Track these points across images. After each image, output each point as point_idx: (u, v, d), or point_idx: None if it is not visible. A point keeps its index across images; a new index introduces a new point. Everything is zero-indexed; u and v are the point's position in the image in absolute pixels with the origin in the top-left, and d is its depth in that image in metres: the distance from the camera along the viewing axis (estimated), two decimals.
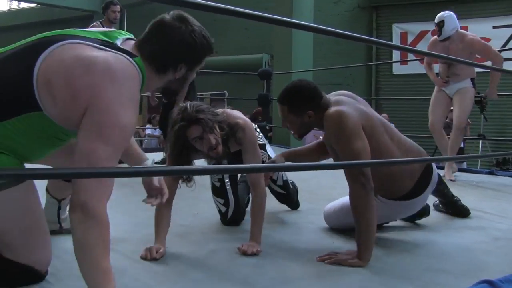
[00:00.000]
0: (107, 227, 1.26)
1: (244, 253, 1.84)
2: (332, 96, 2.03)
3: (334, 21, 9.84)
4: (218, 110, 1.98)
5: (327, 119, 1.87)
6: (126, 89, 1.27)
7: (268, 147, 2.53)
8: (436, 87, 3.96)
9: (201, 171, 1.46)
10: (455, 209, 2.56)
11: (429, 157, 2.74)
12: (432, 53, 3.45)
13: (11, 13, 15.30)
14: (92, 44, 1.31)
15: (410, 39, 9.35)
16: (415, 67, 8.65)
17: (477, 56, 3.82)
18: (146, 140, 8.71)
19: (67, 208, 1.94)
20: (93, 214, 1.21)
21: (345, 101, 1.97)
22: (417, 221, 2.38)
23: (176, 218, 2.02)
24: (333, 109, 1.87)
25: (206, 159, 2.06)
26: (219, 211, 2.35)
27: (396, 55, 9.37)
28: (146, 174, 1.17)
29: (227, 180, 2.35)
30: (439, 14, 3.74)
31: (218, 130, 1.90)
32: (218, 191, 2.35)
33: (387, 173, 1.99)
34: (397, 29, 9.52)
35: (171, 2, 1.10)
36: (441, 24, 3.70)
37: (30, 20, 13.56)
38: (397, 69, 9.41)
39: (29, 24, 13.17)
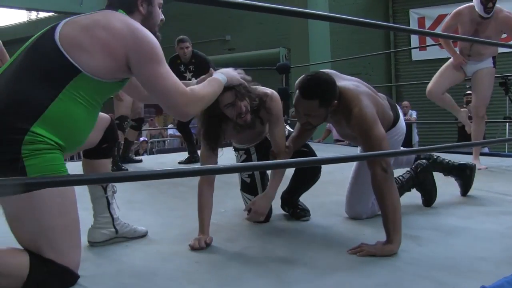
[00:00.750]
0: None
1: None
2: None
3: (350, 11, 9.74)
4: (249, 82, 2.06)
5: (352, 114, 1.90)
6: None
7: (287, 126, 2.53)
8: (450, 60, 3.66)
9: (229, 170, 1.45)
10: (458, 170, 2.61)
11: (463, 142, 2.72)
12: (455, 36, 3.33)
13: (30, 23, 15.56)
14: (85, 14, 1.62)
15: (428, 24, 9.18)
16: (435, 52, 8.49)
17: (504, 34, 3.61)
18: (168, 141, 8.78)
19: (115, 201, 1.98)
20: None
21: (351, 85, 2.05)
22: (442, 208, 2.37)
23: None
24: (354, 103, 1.91)
25: (235, 127, 2.10)
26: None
27: (414, 41, 9.21)
28: (176, 175, 1.16)
29: (258, 178, 2.36)
30: None
31: (248, 100, 2.00)
32: (248, 187, 2.38)
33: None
34: (414, 15, 9.36)
35: None
36: None
37: None
38: (416, 55, 9.25)
39: None
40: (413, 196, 2.47)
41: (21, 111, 1.39)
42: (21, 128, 1.37)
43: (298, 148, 2.24)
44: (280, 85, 6.42)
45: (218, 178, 2.12)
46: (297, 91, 1.95)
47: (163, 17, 1.78)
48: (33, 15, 16.33)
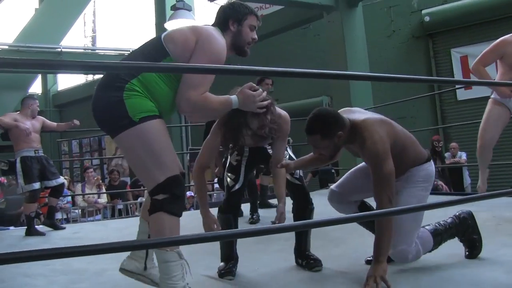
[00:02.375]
0: None
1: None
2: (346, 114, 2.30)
3: (390, 54, 9.81)
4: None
5: (363, 141, 2.13)
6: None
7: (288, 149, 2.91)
8: (492, 99, 3.49)
9: (247, 234, 1.55)
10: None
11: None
12: (500, 82, 3.16)
13: (87, 84, 16.57)
14: None
15: (471, 62, 8.98)
16: (480, 91, 8.35)
17: None
18: (215, 195, 8.94)
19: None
20: None
21: (361, 112, 2.34)
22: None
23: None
24: (367, 135, 2.13)
25: (253, 137, 2.40)
26: (227, 186, 2.67)
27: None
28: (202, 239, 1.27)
29: (243, 162, 2.70)
30: None
31: (270, 117, 2.28)
32: (232, 168, 2.71)
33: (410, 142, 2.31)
34: (456, 54, 9.28)
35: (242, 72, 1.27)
36: None
37: None
38: (462, 94, 9.11)
39: None
40: (455, 247, 2.45)
41: (127, 72, 1.95)
42: (125, 79, 1.93)
43: (298, 168, 2.58)
44: None
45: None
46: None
47: (256, 37, 2.20)
48: (90, 76, 17.43)
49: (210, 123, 2.76)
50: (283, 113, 2.50)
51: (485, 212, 3.45)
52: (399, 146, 2.19)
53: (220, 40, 2.03)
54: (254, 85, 2.13)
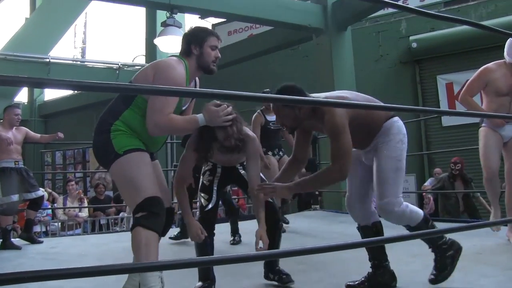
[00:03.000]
0: None
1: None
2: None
3: (377, 78, 9.91)
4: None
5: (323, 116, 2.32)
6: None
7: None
8: (485, 128, 3.46)
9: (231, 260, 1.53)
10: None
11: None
12: (491, 114, 3.12)
13: (73, 96, 16.43)
14: None
15: (456, 89, 9.20)
16: (465, 118, 8.47)
17: None
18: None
19: None
20: None
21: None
22: None
23: None
24: (327, 111, 2.31)
25: (220, 149, 2.54)
26: (200, 205, 2.77)
27: (444, 106, 9.22)
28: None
29: (216, 182, 2.82)
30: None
31: (236, 130, 2.42)
32: (205, 188, 2.82)
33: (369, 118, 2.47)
34: (442, 80, 9.43)
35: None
36: None
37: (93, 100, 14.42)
38: (447, 121, 9.23)
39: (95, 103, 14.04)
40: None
41: (111, 115, 2.31)
42: (110, 123, 2.28)
43: (287, 181, 2.57)
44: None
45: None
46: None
47: (219, 55, 2.44)
48: None
49: (186, 137, 2.93)
50: (251, 133, 2.67)
51: (465, 240, 3.46)
52: (362, 114, 2.41)
53: (176, 68, 2.28)
54: (217, 102, 2.33)
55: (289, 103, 2.29)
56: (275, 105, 2.47)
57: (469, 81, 3.61)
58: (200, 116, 2.30)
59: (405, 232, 2.46)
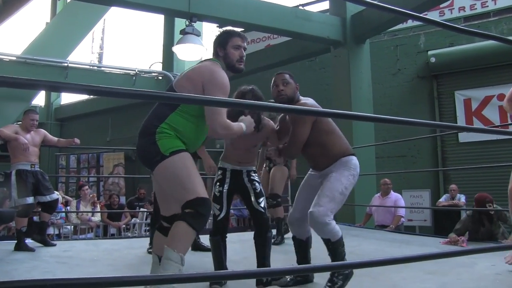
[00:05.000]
0: None
1: None
2: None
3: (394, 93, 9.85)
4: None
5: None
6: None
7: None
8: None
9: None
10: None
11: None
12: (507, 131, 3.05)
13: (90, 101, 16.60)
14: None
15: (474, 105, 9.11)
16: (483, 135, 8.37)
17: None
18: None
19: None
20: None
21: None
22: None
23: None
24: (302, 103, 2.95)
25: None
26: (214, 214, 3.06)
27: (461, 122, 9.11)
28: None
29: (225, 191, 3.13)
30: None
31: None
32: (216, 199, 3.12)
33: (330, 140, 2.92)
34: (460, 96, 9.32)
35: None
36: None
37: (108, 105, 14.54)
38: (464, 137, 9.11)
39: (110, 109, 14.15)
40: None
41: (157, 118, 2.43)
42: (156, 125, 2.40)
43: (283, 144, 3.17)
44: None
45: None
46: (275, 75, 3.04)
47: (244, 54, 2.59)
48: None
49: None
50: (267, 120, 3.24)
51: (483, 260, 3.39)
52: (326, 127, 2.89)
53: (220, 71, 2.45)
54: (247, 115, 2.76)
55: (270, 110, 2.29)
56: (283, 75, 3.01)
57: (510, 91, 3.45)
58: (243, 125, 2.59)
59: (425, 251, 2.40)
